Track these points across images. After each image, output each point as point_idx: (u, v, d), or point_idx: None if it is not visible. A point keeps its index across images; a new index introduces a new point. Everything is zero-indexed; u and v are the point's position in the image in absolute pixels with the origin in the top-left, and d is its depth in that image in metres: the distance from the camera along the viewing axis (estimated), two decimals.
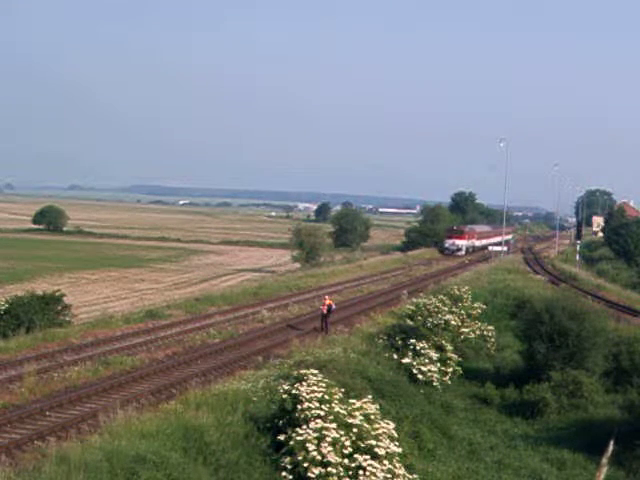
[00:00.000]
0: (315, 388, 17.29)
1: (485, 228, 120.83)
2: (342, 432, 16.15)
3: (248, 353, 29.84)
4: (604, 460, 6.67)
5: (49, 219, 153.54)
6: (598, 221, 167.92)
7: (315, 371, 18.47)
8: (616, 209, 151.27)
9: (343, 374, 22.27)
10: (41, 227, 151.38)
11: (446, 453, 21.90)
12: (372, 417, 17.12)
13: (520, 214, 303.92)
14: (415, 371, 27.23)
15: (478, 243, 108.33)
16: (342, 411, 16.81)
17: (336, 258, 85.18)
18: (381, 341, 30.67)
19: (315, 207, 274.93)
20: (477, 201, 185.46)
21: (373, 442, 16.30)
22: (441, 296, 37.38)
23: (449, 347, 30.36)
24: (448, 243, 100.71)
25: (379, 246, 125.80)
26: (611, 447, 6.88)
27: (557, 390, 27.22)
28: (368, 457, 15.85)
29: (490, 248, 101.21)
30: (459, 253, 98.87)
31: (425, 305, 34.18)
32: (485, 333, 36.10)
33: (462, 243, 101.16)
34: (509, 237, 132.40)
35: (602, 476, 6.63)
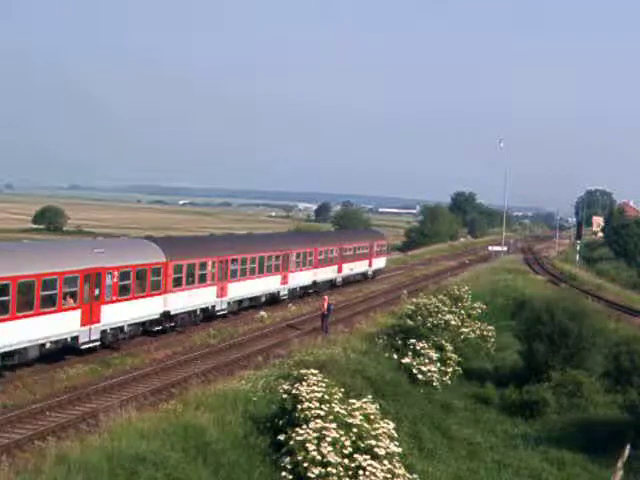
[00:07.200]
0: (315, 388, 17.29)
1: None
2: (342, 432, 16.14)
3: (248, 353, 29.85)
4: (619, 464, 6.63)
5: (49, 219, 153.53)
6: (598, 221, 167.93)
7: (315, 371, 18.47)
8: (616, 209, 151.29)
9: (343, 374, 22.25)
10: (41, 227, 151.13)
11: (446, 453, 21.88)
12: (372, 417, 17.12)
13: (520, 214, 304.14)
14: (415, 371, 27.22)
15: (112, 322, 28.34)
16: (342, 411, 16.80)
17: None
18: (381, 341, 30.66)
19: (315, 207, 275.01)
20: (477, 201, 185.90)
21: (373, 442, 16.30)
22: (441, 296, 37.41)
23: (449, 347, 30.36)
24: None
25: None
26: (627, 452, 6.83)
27: (557, 390, 27.22)
28: (368, 457, 15.84)
29: (490, 248, 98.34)
30: None
31: (425, 305, 34.19)
32: (485, 333, 36.11)
33: None
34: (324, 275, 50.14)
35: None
